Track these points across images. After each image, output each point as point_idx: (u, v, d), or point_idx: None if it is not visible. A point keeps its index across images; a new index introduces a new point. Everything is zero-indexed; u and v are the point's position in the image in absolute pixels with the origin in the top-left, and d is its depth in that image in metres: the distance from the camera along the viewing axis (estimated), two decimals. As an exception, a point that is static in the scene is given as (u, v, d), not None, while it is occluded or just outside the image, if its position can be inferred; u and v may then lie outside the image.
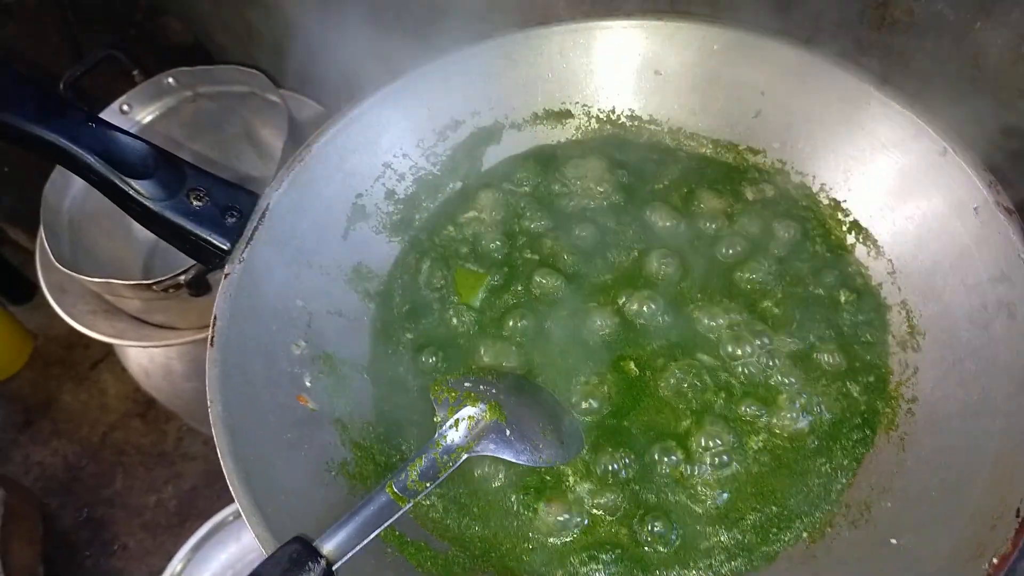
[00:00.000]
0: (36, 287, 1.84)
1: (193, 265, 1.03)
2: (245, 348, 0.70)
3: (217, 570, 1.36)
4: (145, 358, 1.32)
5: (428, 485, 0.64)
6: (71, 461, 1.69)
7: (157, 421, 1.69)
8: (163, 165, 0.70)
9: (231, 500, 1.46)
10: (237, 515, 1.34)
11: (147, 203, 0.69)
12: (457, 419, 0.67)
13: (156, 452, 1.67)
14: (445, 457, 0.65)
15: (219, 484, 1.62)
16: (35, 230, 1.28)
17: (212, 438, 0.63)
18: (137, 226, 1.40)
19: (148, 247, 1.43)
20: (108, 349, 1.78)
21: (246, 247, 0.73)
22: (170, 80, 1.35)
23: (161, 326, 1.23)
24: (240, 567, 1.36)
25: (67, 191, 1.29)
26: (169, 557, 1.33)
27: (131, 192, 0.69)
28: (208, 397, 0.65)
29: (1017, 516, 0.57)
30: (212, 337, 0.68)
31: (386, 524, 0.61)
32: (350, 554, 0.58)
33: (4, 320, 1.76)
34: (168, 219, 0.70)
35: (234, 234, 0.73)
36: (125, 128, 0.71)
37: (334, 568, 0.57)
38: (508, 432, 0.67)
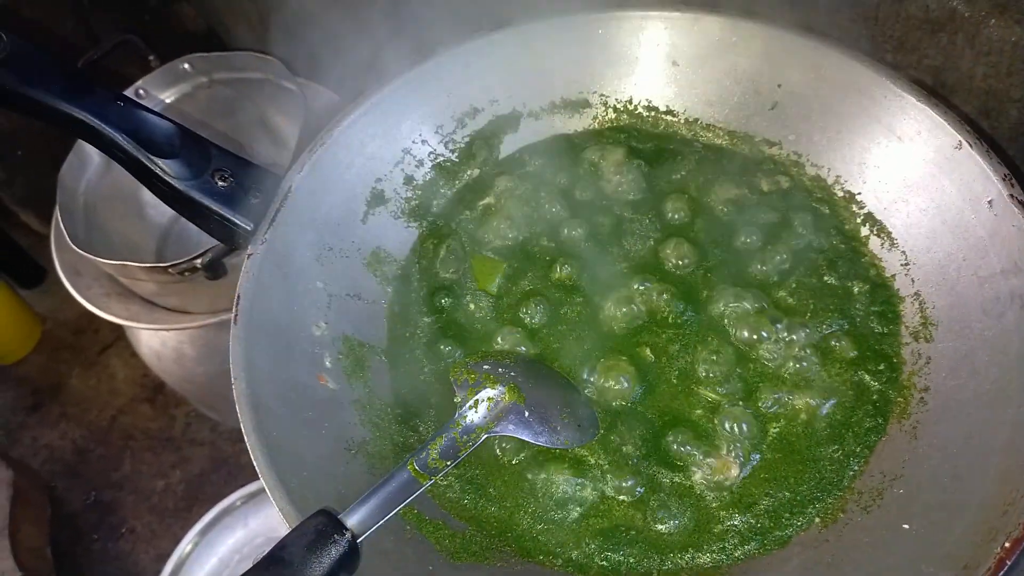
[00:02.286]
0: (46, 271, 1.86)
1: (210, 248, 1.04)
2: (267, 327, 0.71)
3: (224, 554, 1.37)
4: (157, 342, 1.33)
5: (448, 464, 0.64)
6: (79, 444, 1.70)
7: (166, 406, 1.71)
8: (189, 145, 0.71)
9: (238, 486, 1.47)
10: (244, 500, 1.35)
11: (173, 182, 0.70)
12: (477, 400, 0.68)
13: (164, 437, 1.68)
14: (465, 437, 0.66)
15: (226, 470, 1.63)
16: (47, 214, 1.29)
17: (220, 424, 0.64)
18: (151, 209, 1.41)
19: (162, 230, 1.44)
20: (117, 334, 1.79)
21: (269, 228, 0.74)
22: (186, 66, 1.36)
23: (174, 310, 1.24)
24: (247, 551, 1.37)
25: (83, 174, 1.30)
26: (177, 541, 1.35)
27: (157, 171, 0.70)
28: (232, 374, 0.66)
29: (1029, 501, 0.58)
30: (236, 315, 0.69)
31: (407, 501, 0.61)
32: (372, 529, 0.59)
33: (14, 303, 1.77)
34: (193, 198, 0.71)
35: (258, 215, 0.74)
36: (143, 110, 0.71)
37: (358, 542, 0.58)
38: (527, 414, 0.68)
